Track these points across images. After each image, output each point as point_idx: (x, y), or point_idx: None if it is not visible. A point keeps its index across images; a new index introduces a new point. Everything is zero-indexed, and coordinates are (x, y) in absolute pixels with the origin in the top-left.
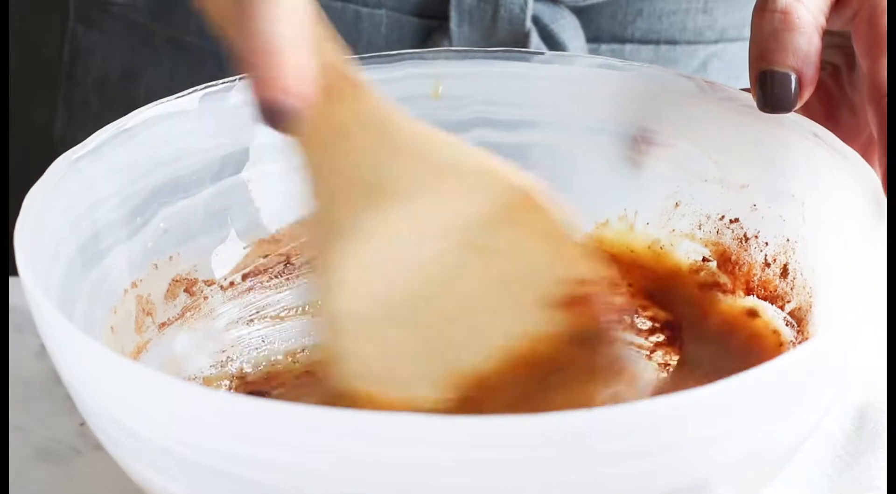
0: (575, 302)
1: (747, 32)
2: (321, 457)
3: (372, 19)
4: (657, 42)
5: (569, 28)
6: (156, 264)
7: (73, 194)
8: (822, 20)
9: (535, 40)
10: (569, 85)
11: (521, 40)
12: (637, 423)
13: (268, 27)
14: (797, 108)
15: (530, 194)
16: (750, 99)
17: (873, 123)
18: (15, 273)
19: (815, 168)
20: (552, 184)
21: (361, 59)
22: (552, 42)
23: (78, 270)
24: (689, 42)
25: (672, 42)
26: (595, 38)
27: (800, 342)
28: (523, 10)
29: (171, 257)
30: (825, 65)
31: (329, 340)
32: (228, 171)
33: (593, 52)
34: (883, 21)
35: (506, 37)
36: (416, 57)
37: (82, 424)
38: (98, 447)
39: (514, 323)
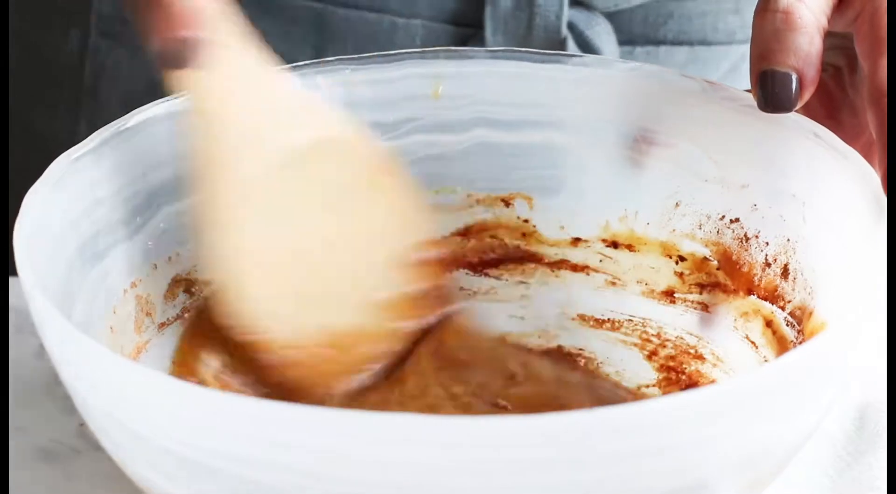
0: (421, 263)
1: None
2: (321, 457)
3: (408, 30)
4: (690, 43)
5: (603, 33)
6: (155, 265)
7: (72, 194)
8: (823, 21)
9: (571, 47)
10: (569, 84)
11: (556, 47)
12: (637, 423)
13: None
14: (798, 108)
15: (386, 162)
16: (750, 99)
17: (873, 125)
18: (15, 273)
19: (816, 168)
20: (552, 184)
21: (361, 58)
22: (587, 48)
23: (77, 270)
24: (721, 43)
25: (705, 43)
26: (628, 41)
27: (800, 342)
28: (559, 17)
29: (170, 258)
30: (827, 66)
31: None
32: None
33: (627, 55)
34: (884, 23)
35: (542, 44)
36: (416, 57)
37: (82, 424)
38: (98, 447)
39: (372, 280)
